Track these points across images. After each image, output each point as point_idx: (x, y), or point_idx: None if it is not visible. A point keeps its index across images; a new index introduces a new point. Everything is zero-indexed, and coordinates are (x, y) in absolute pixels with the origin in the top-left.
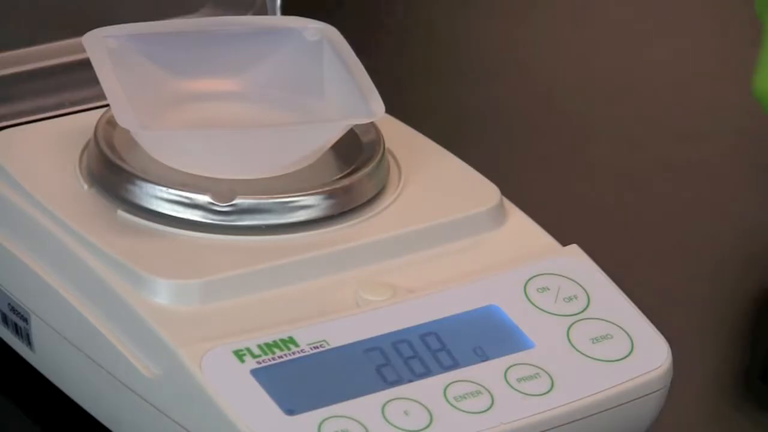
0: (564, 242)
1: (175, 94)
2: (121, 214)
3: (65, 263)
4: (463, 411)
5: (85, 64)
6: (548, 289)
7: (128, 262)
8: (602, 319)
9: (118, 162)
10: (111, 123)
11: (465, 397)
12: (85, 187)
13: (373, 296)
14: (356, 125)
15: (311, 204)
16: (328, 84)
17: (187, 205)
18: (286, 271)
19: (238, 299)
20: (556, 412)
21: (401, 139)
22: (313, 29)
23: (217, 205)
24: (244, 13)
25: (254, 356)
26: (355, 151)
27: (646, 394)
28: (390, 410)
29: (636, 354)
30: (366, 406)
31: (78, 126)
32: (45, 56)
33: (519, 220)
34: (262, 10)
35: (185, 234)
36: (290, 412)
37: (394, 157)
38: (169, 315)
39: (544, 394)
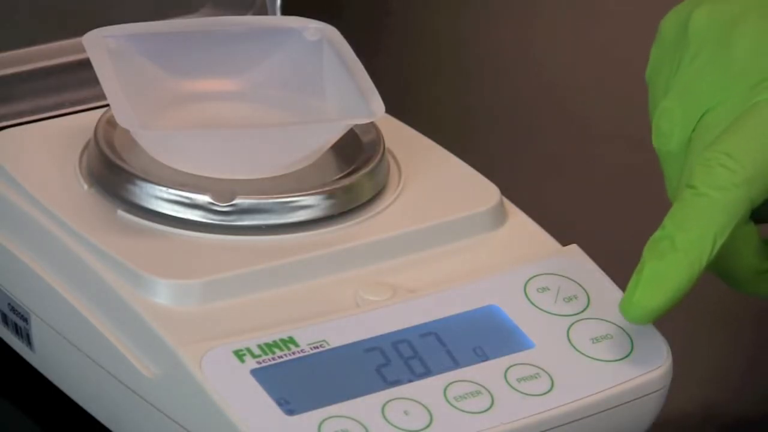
0: (564, 242)
1: (175, 94)
2: (121, 214)
3: (65, 263)
4: (463, 411)
5: (85, 64)
6: (548, 289)
7: (128, 262)
8: (602, 319)
9: (118, 162)
10: (111, 123)
11: (465, 397)
12: (85, 187)
13: (373, 296)
14: (356, 125)
15: (311, 204)
16: (328, 84)
17: (187, 205)
18: (286, 271)
19: (238, 299)
20: (556, 412)
21: (401, 139)
22: (313, 29)
23: (217, 205)
24: (244, 13)
25: (254, 356)
26: (355, 151)
27: (646, 394)
28: (390, 410)
29: (636, 354)
30: (366, 406)
31: (78, 126)
32: (45, 56)
33: (519, 220)
34: (262, 10)
35: (185, 234)
36: (290, 412)
37: (394, 157)
38: (169, 315)
39: (544, 394)
